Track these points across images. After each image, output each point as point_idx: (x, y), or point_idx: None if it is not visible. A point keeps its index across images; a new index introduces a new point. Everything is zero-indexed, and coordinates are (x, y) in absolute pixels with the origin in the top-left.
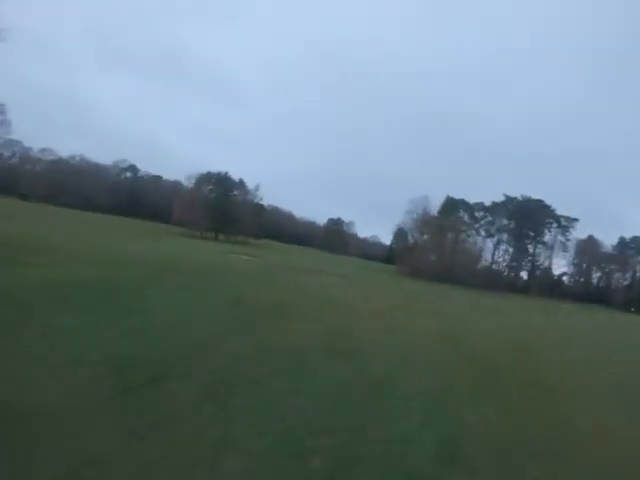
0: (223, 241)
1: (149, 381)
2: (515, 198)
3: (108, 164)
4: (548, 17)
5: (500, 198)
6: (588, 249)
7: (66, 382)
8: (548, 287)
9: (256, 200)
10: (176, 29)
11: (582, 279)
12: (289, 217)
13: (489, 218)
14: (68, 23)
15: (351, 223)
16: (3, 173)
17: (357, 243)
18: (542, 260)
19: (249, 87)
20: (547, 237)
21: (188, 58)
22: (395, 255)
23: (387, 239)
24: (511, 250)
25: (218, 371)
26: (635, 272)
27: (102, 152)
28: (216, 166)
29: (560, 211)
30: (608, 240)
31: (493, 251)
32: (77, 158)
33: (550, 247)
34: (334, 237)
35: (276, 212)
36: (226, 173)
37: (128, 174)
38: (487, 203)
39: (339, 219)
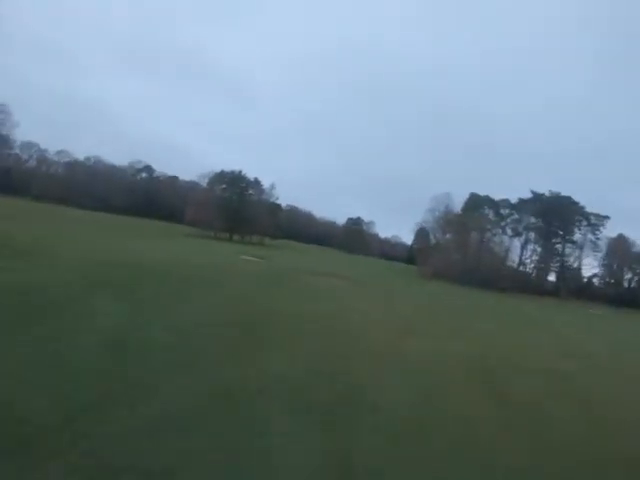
0: (237, 242)
1: None
2: (543, 195)
3: (124, 165)
4: (564, 4)
5: (527, 195)
6: (619, 248)
7: None
8: (577, 289)
9: (272, 199)
10: (192, 29)
11: (612, 280)
12: (308, 217)
13: (515, 216)
14: (84, 26)
15: (371, 223)
16: (19, 175)
17: (378, 243)
18: (571, 260)
19: (267, 87)
20: (576, 236)
21: (205, 58)
22: (417, 255)
23: (408, 239)
24: (539, 250)
25: None
26: None
27: (119, 154)
28: (235, 167)
29: (589, 208)
30: None
31: (521, 251)
32: (92, 160)
33: (580, 246)
34: (354, 237)
35: (295, 212)
36: (240, 172)
37: (144, 175)
38: (513, 200)
39: (359, 219)
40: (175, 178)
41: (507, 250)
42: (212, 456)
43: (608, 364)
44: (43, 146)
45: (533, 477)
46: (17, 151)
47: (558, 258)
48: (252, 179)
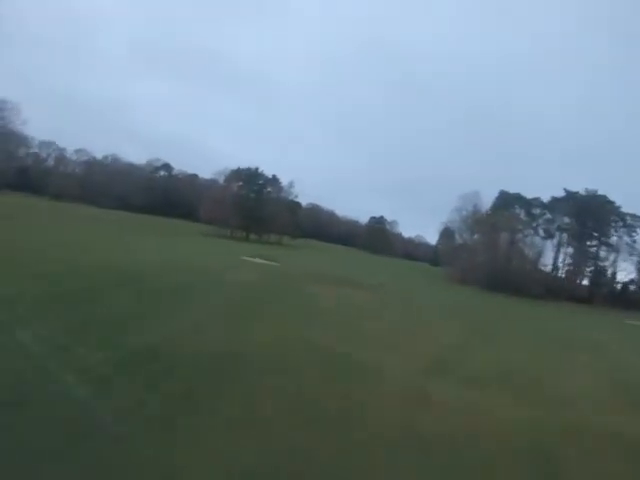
0: (254, 241)
1: None
2: (577, 193)
3: (142, 163)
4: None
5: (560, 193)
6: None
7: None
8: (612, 296)
9: (291, 197)
10: (212, 27)
11: None
12: (330, 216)
13: (548, 216)
14: (104, 26)
15: (394, 222)
16: (37, 174)
17: (401, 243)
18: (607, 264)
19: (289, 86)
20: (612, 238)
21: (225, 57)
22: (441, 256)
23: (432, 239)
24: (572, 252)
25: None
26: None
27: (139, 153)
28: (258, 165)
29: (626, 208)
30: None
31: (555, 254)
32: (110, 158)
33: (615, 249)
34: (376, 237)
35: (316, 210)
36: (256, 169)
37: (162, 173)
38: (545, 199)
39: (382, 217)
40: (195, 176)
41: (540, 253)
42: None
43: None
44: (62, 145)
45: None
46: (36, 150)
47: (592, 262)
48: (270, 176)
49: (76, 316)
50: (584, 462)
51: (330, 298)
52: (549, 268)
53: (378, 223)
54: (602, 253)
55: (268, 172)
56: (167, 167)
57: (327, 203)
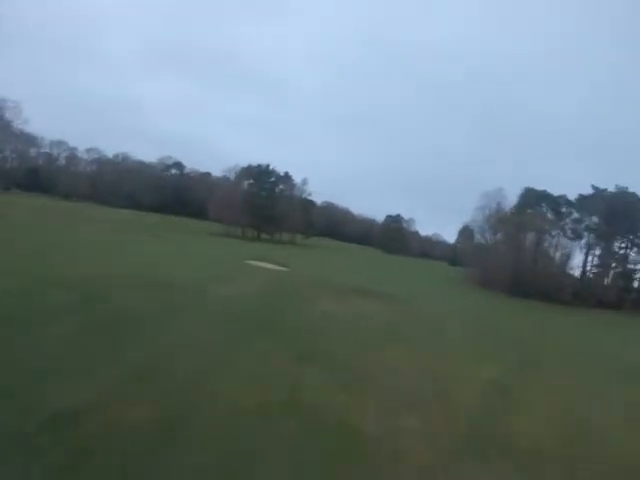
0: (266, 240)
1: None
2: (605, 190)
3: (153, 162)
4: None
5: (587, 190)
6: None
7: None
8: None
9: (304, 195)
10: (226, 25)
11: None
12: (345, 214)
13: (575, 215)
14: (117, 26)
15: (411, 220)
16: (47, 174)
17: (418, 242)
18: (637, 267)
19: (304, 84)
20: None
21: (240, 56)
22: (461, 257)
23: (449, 237)
24: (600, 254)
25: None
26: None
27: (151, 152)
28: (273, 164)
29: None
30: None
31: (585, 256)
32: (120, 157)
33: None
34: (393, 235)
35: (331, 209)
36: (267, 166)
37: (174, 171)
38: (571, 197)
39: (398, 216)
40: (207, 174)
41: (568, 255)
42: None
43: None
44: (73, 144)
45: None
46: (47, 150)
47: (621, 264)
48: (282, 174)
49: None
50: None
51: (343, 318)
52: (576, 271)
53: (395, 222)
54: (632, 255)
55: (281, 170)
56: (179, 165)
57: (343, 201)
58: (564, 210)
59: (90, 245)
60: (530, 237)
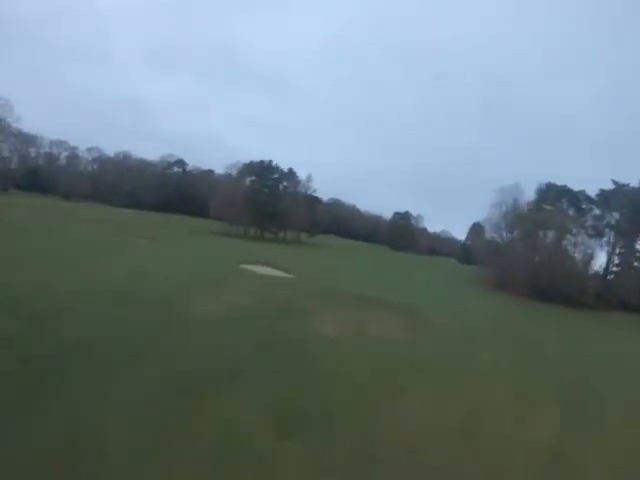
0: (269, 240)
1: None
2: (627, 185)
3: (155, 160)
4: None
5: (608, 186)
6: None
7: None
8: None
9: (309, 192)
10: (229, 21)
11: None
12: (352, 211)
13: (596, 211)
14: (118, 25)
15: (419, 217)
16: (48, 174)
17: (427, 239)
18: None
19: (310, 83)
20: None
21: (244, 53)
22: (473, 254)
23: (457, 233)
24: (621, 252)
25: None
26: None
27: (153, 150)
28: (280, 161)
29: None
30: None
31: (609, 256)
32: (121, 155)
33: None
34: (401, 232)
35: (338, 205)
36: (270, 161)
37: (176, 169)
38: (590, 192)
39: (406, 213)
40: (210, 172)
41: (591, 255)
42: None
43: None
44: (74, 144)
45: None
46: (47, 149)
47: None
48: (286, 170)
49: None
50: None
51: (349, 348)
52: (598, 272)
53: (403, 218)
54: None
55: (275, 162)
56: (181, 163)
57: (350, 198)
58: (584, 206)
59: (73, 251)
60: (550, 235)
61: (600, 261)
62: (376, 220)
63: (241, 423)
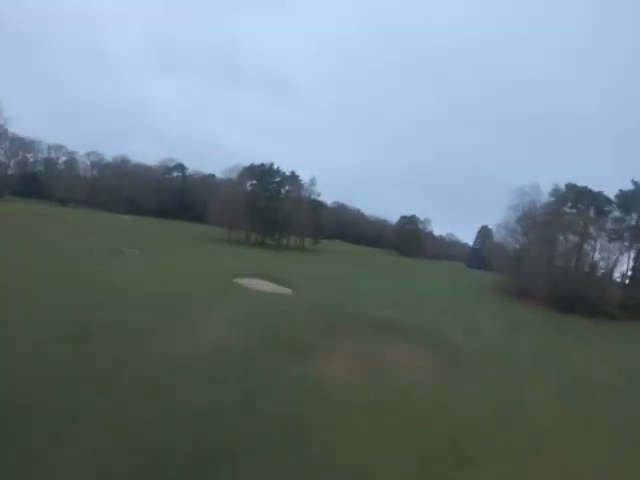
0: (270, 246)
1: None
2: None
3: (154, 164)
4: None
5: (627, 186)
6: None
7: None
8: None
9: (313, 196)
10: (227, 26)
11: None
12: (356, 214)
13: (616, 213)
14: (116, 27)
15: (427, 220)
16: (45, 179)
17: (434, 243)
18: None
19: (313, 87)
20: None
21: (249, 57)
22: (482, 259)
23: (462, 236)
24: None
25: None
26: None
27: (152, 154)
28: (284, 166)
29: None
30: None
31: (636, 262)
32: (120, 160)
33: None
34: (408, 237)
35: (341, 210)
36: (271, 164)
37: (175, 174)
38: (609, 193)
39: (413, 216)
40: (211, 176)
41: (615, 261)
42: None
43: None
44: (72, 148)
45: None
46: (45, 154)
47: None
48: (288, 173)
49: None
50: None
51: (362, 403)
52: (618, 278)
53: (409, 222)
54: None
55: (276, 165)
56: (180, 167)
57: (353, 202)
58: (606, 208)
59: (46, 266)
60: (571, 240)
61: (622, 267)
62: (381, 224)
63: None
